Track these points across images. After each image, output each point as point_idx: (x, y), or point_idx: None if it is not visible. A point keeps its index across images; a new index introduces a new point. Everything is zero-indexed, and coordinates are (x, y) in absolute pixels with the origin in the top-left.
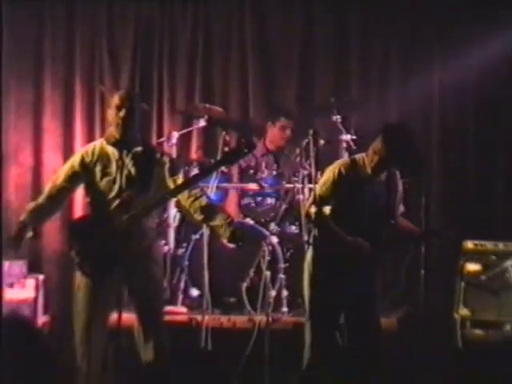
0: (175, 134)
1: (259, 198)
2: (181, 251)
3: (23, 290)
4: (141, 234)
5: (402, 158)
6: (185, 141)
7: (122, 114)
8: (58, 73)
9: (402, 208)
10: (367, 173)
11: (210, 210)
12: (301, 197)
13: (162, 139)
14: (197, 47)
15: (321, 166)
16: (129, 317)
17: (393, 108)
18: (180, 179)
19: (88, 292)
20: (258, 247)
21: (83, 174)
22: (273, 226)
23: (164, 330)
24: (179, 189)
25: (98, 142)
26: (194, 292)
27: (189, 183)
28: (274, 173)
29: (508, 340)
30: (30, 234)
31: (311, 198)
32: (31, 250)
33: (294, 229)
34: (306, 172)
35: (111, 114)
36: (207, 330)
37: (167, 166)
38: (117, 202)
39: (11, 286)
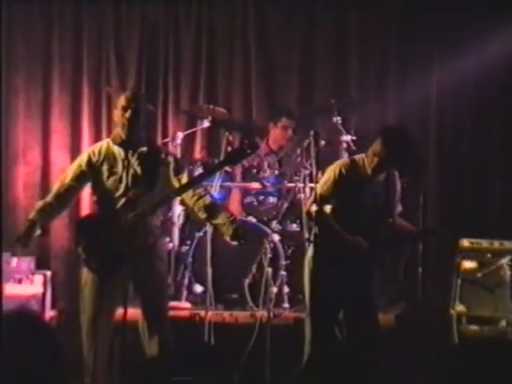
0: (180, 135)
1: (261, 197)
2: (185, 248)
3: (31, 286)
4: (146, 232)
5: (401, 159)
6: (189, 141)
7: (127, 114)
8: (66, 74)
9: (399, 207)
10: (367, 173)
11: (213, 209)
12: (302, 196)
13: (166, 139)
14: (201, 49)
15: (321, 166)
16: (134, 312)
17: (392, 109)
18: (184, 178)
19: (94, 288)
20: (260, 245)
21: (90, 173)
22: (274, 224)
23: (168, 325)
24: (184, 188)
25: (105, 142)
26: (198, 288)
27: (193, 182)
28: (276, 172)
29: (503, 336)
30: (38, 231)
31: (312, 197)
32: (39, 247)
33: (295, 227)
34: (307, 171)
35: (117, 114)
36: (210, 325)
37: (172, 165)
38: (123, 200)
39: (20, 281)
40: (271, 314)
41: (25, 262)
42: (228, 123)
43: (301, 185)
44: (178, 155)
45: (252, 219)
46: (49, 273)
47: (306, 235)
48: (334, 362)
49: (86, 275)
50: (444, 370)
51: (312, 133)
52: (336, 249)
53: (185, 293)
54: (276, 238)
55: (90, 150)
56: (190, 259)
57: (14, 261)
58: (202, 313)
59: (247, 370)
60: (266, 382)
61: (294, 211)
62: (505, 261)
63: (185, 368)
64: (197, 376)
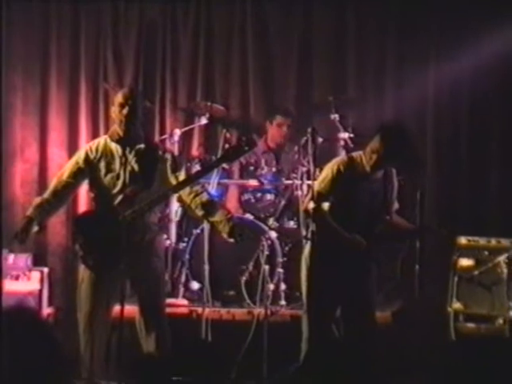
0: (177, 132)
1: (259, 194)
2: (182, 245)
3: (28, 283)
4: (143, 229)
5: (400, 157)
6: (187, 138)
7: (125, 111)
8: (64, 72)
9: (396, 205)
10: (365, 170)
11: (210, 207)
12: (299, 193)
13: (164, 136)
14: (198, 46)
15: (319, 163)
16: (131, 309)
17: (389, 107)
18: (182, 176)
19: (91, 285)
20: (258, 242)
21: (87, 169)
22: (272, 222)
23: (165, 322)
24: (181, 185)
25: (102, 139)
26: (195, 285)
27: (190, 180)
28: (274, 170)
29: (500, 333)
30: (35, 228)
31: (310, 194)
32: (36, 244)
33: (292, 224)
34: (304, 169)
35: (115, 111)
36: (207, 322)
37: (169, 162)
38: (120, 197)
39: (17, 278)
40: (268, 311)
41: (22, 259)
42: (226, 120)
43: (298, 182)
44: (176, 152)
45: (249, 216)
46: (46, 269)
47: (304, 232)
48: (330, 360)
49: (82, 272)
50: (441, 367)
51: (310, 130)
52: (333, 246)
53: (182, 290)
54: (273, 235)
55: (87, 146)
56: (187, 256)
57: (11, 257)
58: (199, 310)
59: (244, 366)
60: (263, 379)
61: (291, 208)
62: (502, 258)
63: (181, 365)
64: (193, 373)
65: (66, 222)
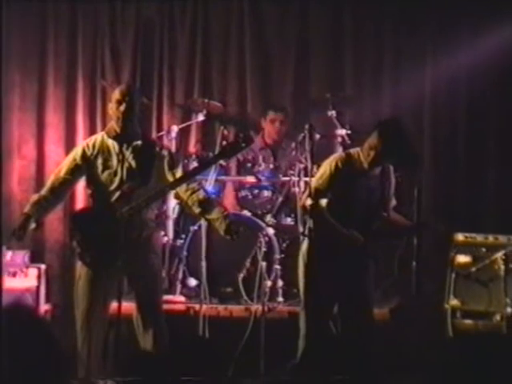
0: (175, 128)
1: (256, 191)
2: (179, 242)
3: (26, 279)
4: (140, 225)
5: (397, 153)
6: (184, 135)
7: (122, 108)
8: (61, 69)
9: (394, 201)
10: (363, 167)
11: (207, 204)
12: (297, 189)
13: (161, 133)
14: (196, 43)
15: (316, 160)
16: (128, 306)
17: (386, 104)
18: (179, 173)
19: (88, 281)
20: (255, 239)
21: (85, 166)
22: (269, 218)
23: (162, 319)
24: (178, 182)
25: (99, 136)
26: (192, 282)
27: (188, 176)
28: (271, 166)
29: (497, 330)
30: (33, 225)
31: (307, 191)
32: (34, 241)
33: (289, 221)
34: (302, 165)
35: (112, 108)
36: (205, 318)
37: (166, 159)
38: (117, 193)
39: (14, 275)
40: (266, 308)
41: (19, 256)
42: (223, 117)
43: (295, 179)
44: (173, 149)
45: (247, 213)
46: (43, 266)
47: (301, 229)
48: (328, 356)
49: (80, 269)
50: (438, 364)
51: (307, 126)
52: (331, 243)
53: (179, 286)
54: (270, 231)
55: (84, 143)
56: (184, 253)
57: (9, 254)
58: (197, 306)
59: (241, 363)
60: (261, 375)
61: (288, 205)
62: (499, 255)
63: (179, 361)
64: (191, 370)
65: (63, 218)
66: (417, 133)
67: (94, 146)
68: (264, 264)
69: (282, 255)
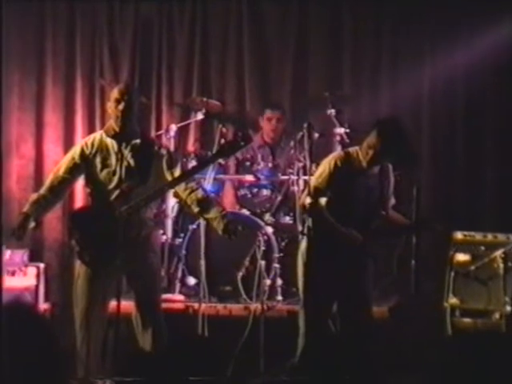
0: (173, 127)
1: (255, 190)
2: (178, 241)
3: (25, 278)
4: (139, 224)
5: (396, 152)
6: (183, 133)
7: (121, 107)
8: (60, 68)
9: (393, 200)
10: (362, 166)
11: (205, 203)
12: (296, 188)
13: (160, 132)
14: (194, 42)
15: (315, 159)
16: (127, 304)
17: (385, 103)
18: (177, 172)
19: (87, 280)
20: (254, 237)
21: (83, 165)
22: (268, 217)
23: (162, 318)
24: (177, 180)
25: (98, 134)
26: (191, 280)
27: (186, 175)
28: (270, 165)
29: (496, 328)
30: (32, 224)
31: (306, 190)
32: (33, 240)
33: (288, 219)
34: (300, 164)
35: (111, 106)
36: (204, 317)
37: (165, 158)
38: (116, 192)
39: (13, 274)
40: (265, 307)
41: (18, 255)
42: (221, 116)
43: (294, 177)
44: (172, 148)
45: (245, 212)
46: (42, 265)
47: (300, 228)
48: (327, 355)
49: (79, 268)
50: (437, 362)
51: (306, 125)
52: (330, 241)
53: (178, 285)
54: (269, 230)
55: (82, 142)
56: (183, 252)
57: (8, 253)
58: (196, 305)
59: (241, 362)
60: (260, 374)
61: (287, 204)
62: (498, 253)
63: (178, 360)
64: (190, 369)
65: (62, 217)
66: (415, 132)
67: (92, 145)
68: (263, 263)
69: (281, 254)
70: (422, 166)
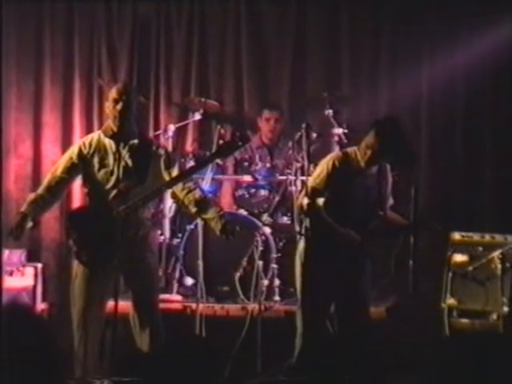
0: (171, 127)
1: (253, 190)
2: (176, 241)
3: (22, 278)
4: (137, 224)
5: (395, 152)
6: (181, 134)
7: (119, 107)
8: (58, 68)
9: (391, 200)
10: (360, 166)
11: (203, 203)
12: (293, 188)
13: (158, 132)
14: (192, 42)
15: (313, 159)
16: (125, 304)
17: (383, 103)
18: (175, 172)
19: (85, 280)
20: (252, 238)
21: (81, 165)
22: (266, 217)
23: (159, 318)
24: (174, 180)
25: (96, 134)
26: (189, 281)
27: (184, 175)
28: (268, 165)
29: (494, 329)
30: (30, 224)
31: (304, 190)
32: (30, 239)
33: (286, 220)
34: (298, 164)
35: (109, 106)
36: (201, 317)
37: (163, 158)
38: (114, 192)
39: (11, 274)
40: (262, 307)
41: (16, 255)
42: (220, 116)
43: (292, 178)
44: (170, 148)
45: (243, 212)
46: (40, 265)
47: (297, 228)
48: (325, 355)
49: (76, 268)
50: (435, 363)
51: (304, 125)
52: (327, 242)
53: (176, 285)
54: (267, 230)
55: (80, 142)
56: (181, 252)
57: (5, 253)
58: (193, 305)
59: (238, 362)
60: (257, 374)
61: (285, 204)
62: (496, 254)
63: (176, 360)
64: (187, 369)
65: (59, 217)
66: (414, 132)
67: (90, 145)
68: (261, 263)
69: (279, 254)
70: (421, 166)
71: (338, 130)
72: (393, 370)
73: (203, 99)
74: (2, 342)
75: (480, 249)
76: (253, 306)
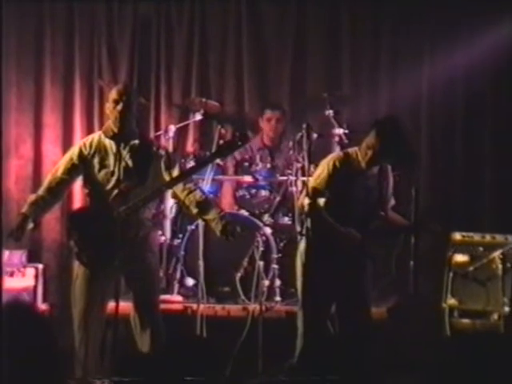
0: (172, 128)
1: (254, 190)
2: (177, 241)
3: (23, 279)
4: (137, 225)
5: (396, 152)
6: (181, 134)
7: (119, 107)
8: (58, 68)
9: (392, 201)
10: (361, 166)
11: (204, 204)
12: (294, 189)
13: (159, 132)
14: (193, 44)
15: (313, 159)
16: (126, 305)
17: (383, 103)
18: (176, 172)
19: (85, 281)
20: (252, 238)
21: (81, 166)
22: (266, 218)
23: (160, 319)
24: (175, 180)
25: (96, 135)
26: (190, 281)
27: (184, 175)
28: (269, 166)
29: (495, 329)
30: (30, 225)
31: (305, 190)
32: (31, 240)
33: (287, 220)
34: (299, 165)
35: (109, 107)
36: (202, 318)
37: (163, 159)
38: (115, 193)
39: (11, 274)
40: (263, 308)
41: (16, 255)
42: (220, 116)
43: (293, 178)
44: (171, 148)
45: (244, 212)
46: (40, 266)
47: (298, 228)
48: (326, 356)
49: (77, 268)
50: (436, 363)
51: (304, 126)
52: (328, 242)
53: (176, 286)
54: (268, 231)
55: (81, 142)
56: (181, 252)
57: (6, 254)
58: (194, 306)
59: (239, 362)
60: (258, 375)
61: (286, 204)
62: (496, 254)
63: (177, 361)
64: (188, 370)
65: (60, 218)
66: (414, 131)
67: (90, 146)
68: (261, 263)
69: (280, 255)
70: (421, 166)
71: (339, 131)
72: (393, 370)
73: (204, 100)
74: (2, 341)
75: (481, 249)
76: (253, 307)
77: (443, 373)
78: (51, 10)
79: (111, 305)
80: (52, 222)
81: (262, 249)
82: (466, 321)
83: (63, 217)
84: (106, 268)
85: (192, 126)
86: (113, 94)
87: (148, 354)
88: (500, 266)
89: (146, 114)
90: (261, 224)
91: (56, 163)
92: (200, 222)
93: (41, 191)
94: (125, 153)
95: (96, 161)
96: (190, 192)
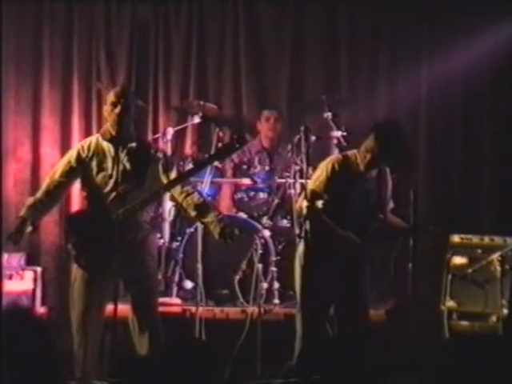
0: (170, 131)
1: (252, 193)
2: (175, 244)
3: (22, 282)
4: (136, 227)
5: (394, 155)
6: (180, 137)
7: (117, 110)
8: (56, 71)
9: (391, 204)
10: (359, 169)
11: (202, 207)
12: (292, 191)
13: (157, 135)
14: (191, 46)
15: (312, 162)
16: (124, 308)
17: (382, 106)
18: (173, 175)
19: (84, 283)
20: (251, 241)
21: (79, 168)
22: (265, 220)
23: (159, 321)
24: (173, 183)
25: (94, 138)
26: (188, 284)
27: (182, 177)
28: (267, 168)
29: (493, 331)
30: (29, 228)
31: (303, 193)
32: (29, 243)
33: (285, 223)
34: (297, 167)
35: (107, 110)
36: (201, 321)
37: (161, 161)
38: (113, 196)
39: (10, 277)
40: (262, 310)
41: (15, 258)
42: (218, 119)
43: (291, 180)
44: (169, 151)
45: (242, 215)
46: (39, 269)
47: (297, 231)
48: (324, 358)
49: (75, 271)
50: (435, 365)
51: (303, 128)
52: (327, 244)
53: (175, 289)
54: (266, 233)
55: (79, 145)
56: (180, 255)
57: (5, 257)
58: (193, 309)
59: (238, 365)
60: (257, 377)
61: (284, 207)
62: (495, 256)
63: (175, 364)
64: (187, 372)
65: (58, 221)
66: (412, 134)
67: (88, 149)
68: (260, 266)
69: (278, 257)
70: (420, 168)
71: (337, 133)
72: (392, 373)
73: (202, 102)
74: (2, 344)
75: (479, 251)
76: (252, 309)
77: (442, 375)
78: (50, 11)
79: (110, 307)
80: (50, 224)
81: (260, 251)
82: (464, 323)
83: (61, 220)
84: (104, 271)
85: (190, 128)
86: (111, 97)
87: (146, 357)
88: (498, 268)
89: (144, 116)
90: (259, 227)
91: (54, 166)
92: (199, 225)
93: (39, 194)
94: (123, 155)
95: (94, 163)
96: (188, 195)
